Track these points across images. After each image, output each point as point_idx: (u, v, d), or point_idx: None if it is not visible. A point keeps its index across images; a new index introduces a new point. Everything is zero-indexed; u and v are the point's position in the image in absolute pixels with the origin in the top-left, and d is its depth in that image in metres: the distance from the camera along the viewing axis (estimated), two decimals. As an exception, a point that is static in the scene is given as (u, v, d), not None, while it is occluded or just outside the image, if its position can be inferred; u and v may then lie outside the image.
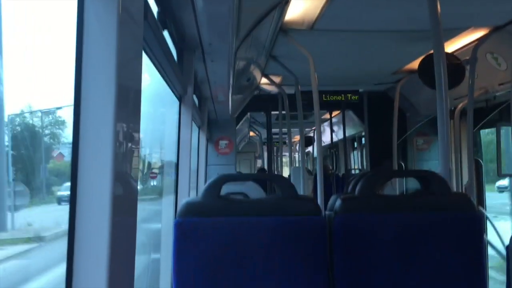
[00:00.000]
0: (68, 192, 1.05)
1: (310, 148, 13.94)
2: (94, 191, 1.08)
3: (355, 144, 10.15)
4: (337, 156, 10.63)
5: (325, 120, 9.09)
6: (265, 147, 9.39)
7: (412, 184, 6.52)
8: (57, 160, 1.83)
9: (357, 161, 10.14)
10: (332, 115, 8.30)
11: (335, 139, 9.01)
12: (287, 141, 11.64)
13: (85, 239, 1.07)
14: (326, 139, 9.61)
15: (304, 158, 5.37)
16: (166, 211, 3.62)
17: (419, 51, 4.65)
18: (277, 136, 7.77)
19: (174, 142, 3.43)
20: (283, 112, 6.47)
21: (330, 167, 8.94)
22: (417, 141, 7.26)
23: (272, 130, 7.60)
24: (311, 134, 12.30)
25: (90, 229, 1.07)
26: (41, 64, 1.55)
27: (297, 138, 14.95)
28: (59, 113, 1.79)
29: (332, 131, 8.45)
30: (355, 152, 10.51)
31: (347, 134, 8.94)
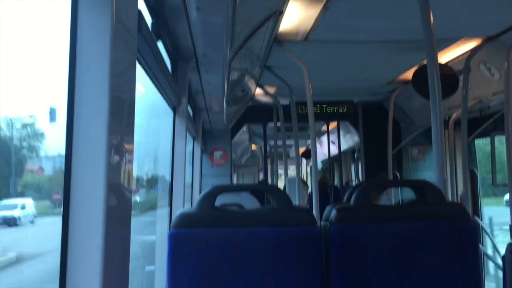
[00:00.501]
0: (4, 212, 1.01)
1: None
2: (87, 202, 1.08)
3: (356, 155, 10.15)
4: (339, 167, 10.65)
5: (324, 132, 9.08)
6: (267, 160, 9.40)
7: (408, 194, 6.52)
8: (37, 174, 1.78)
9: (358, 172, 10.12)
10: (330, 127, 8.31)
11: (334, 150, 9.03)
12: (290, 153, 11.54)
13: (78, 251, 1.06)
14: (326, 150, 9.63)
15: (299, 169, 5.36)
16: (159, 225, 3.59)
17: (413, 61, 4.67)
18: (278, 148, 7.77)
19: (159, 154, 3.41)
20: (279, 123, 6.47)
21: (329, 179, 8.95)
22: (412, 152, 7.27)
23: (274, 142, 7.61)
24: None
25: (84, 240, 1.06)
26: (34, 75, 1.55)
27: (301, 150, 14.97)
28: (38, 124, 1.72)
29: (329, 143, 8.44)
30: (356, 163, 10.50)
31: (347, 146, 8.91)
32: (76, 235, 1.06)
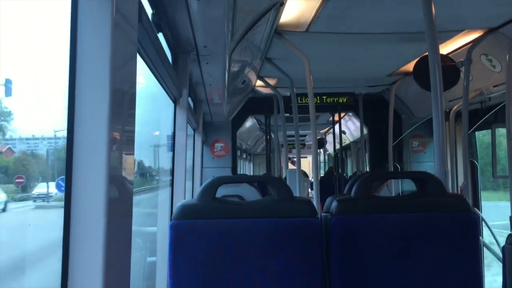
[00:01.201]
0: None
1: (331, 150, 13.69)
2: (89, 193, 1.08)
3: (359, 146, 10.16)
4: (346, 158, 10.64)
5: (335, 122, 9.02)
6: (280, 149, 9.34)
7: (408, 186, 6.53)
8: (5, 156, 1.72)
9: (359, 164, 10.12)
10: (335, 118, 8.26)
11: (346, 140, 9.02)
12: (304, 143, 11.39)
13: (80, 242, 1.07)
14: (338, 140, 9.62)
15: (300, 160, 5.37)
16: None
17: (414, 53, 4.66)
18: (290, 138, 7.73)
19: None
20: (287, 114, 6.46)
21: (335, 169, 8.96)
22: (412, 143, 7.28)
23: (275, 133, 7.61)
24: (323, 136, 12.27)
25: (85, 232, 1.07)
26: (35, 68, 1.54)
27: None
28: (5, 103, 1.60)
29: (334, 133, 8.41)
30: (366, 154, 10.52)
31: (358, 136, 8.88)
32: (77, 227, 1.07)
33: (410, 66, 4.88)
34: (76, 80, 1.12)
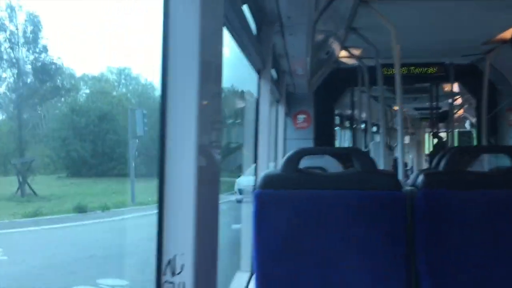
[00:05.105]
0: None
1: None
2: (180, 162, 1.15)
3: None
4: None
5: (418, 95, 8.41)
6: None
7: (504, 163, 6.17)
8: None
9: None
10: (447, 88, 7.79)
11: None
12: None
13: (173, 206, 1.15)
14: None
15: (384, 132, 5.24)
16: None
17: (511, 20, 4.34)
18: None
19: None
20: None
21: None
22: (509, 116, 6.83)
23: (365, 104, 7.38)
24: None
25: (178, 198, 1.15)
26: (133, 46, 1.63)
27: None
28: None
29: (432, 106, 7.94)
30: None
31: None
32: (171, 192, 1.15)
33: (508, 34, 4.56)
34: (169, 54, 1.18)
